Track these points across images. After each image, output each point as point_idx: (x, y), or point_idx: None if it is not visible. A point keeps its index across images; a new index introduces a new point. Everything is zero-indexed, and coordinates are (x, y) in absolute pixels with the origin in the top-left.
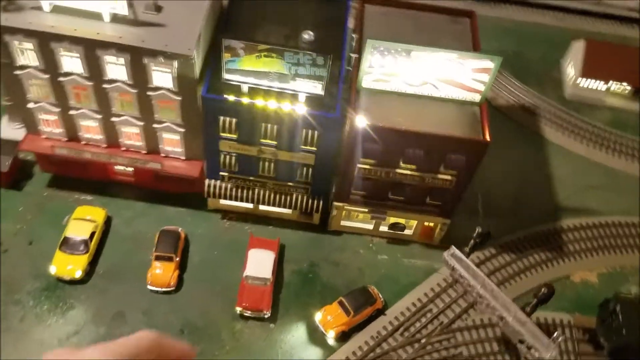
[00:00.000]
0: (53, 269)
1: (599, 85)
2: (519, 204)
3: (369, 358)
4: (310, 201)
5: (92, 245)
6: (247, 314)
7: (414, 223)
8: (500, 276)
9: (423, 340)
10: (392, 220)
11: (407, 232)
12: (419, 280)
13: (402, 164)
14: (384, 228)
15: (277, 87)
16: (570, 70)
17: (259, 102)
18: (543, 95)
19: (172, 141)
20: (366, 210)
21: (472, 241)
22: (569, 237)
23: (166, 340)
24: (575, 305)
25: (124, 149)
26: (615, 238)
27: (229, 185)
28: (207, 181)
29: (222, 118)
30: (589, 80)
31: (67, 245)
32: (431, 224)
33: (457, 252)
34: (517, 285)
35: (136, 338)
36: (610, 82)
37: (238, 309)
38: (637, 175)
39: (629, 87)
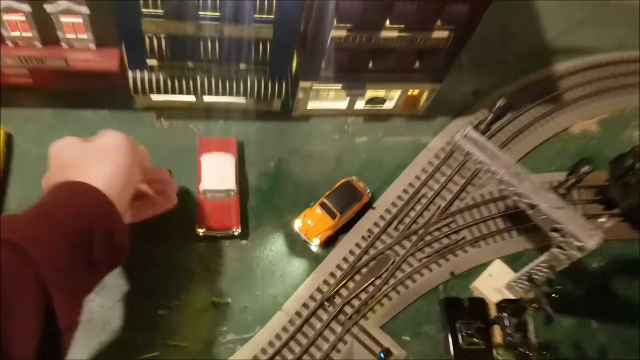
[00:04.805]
0: None
1: None
2: (506, 51)
3: (363, 261)
4: (269, 84)
5: None
6: (213, 234)
7: (395, 93)
8: (497, 140)
9: (421, 231)
10: (371, 94)
11: (387, 105)
12: (406, 160)
13: (387, 25)
14: (360, 105)
15: None
16: None
17: None
18: None
19: (74, 26)
20: (340, 87)
21: (490, 116)
22: (563, 84)
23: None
24: (578, 160)
25: (10, 44)
26: (614, 78)
27: (162, 76)
28: (131, 74)
29: None
30: None
31: None
32: (415, 93)
33: (473, 132)
34: (517, 149)
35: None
36: None
37: (200, 231)
38: (628, 3)
39: None
